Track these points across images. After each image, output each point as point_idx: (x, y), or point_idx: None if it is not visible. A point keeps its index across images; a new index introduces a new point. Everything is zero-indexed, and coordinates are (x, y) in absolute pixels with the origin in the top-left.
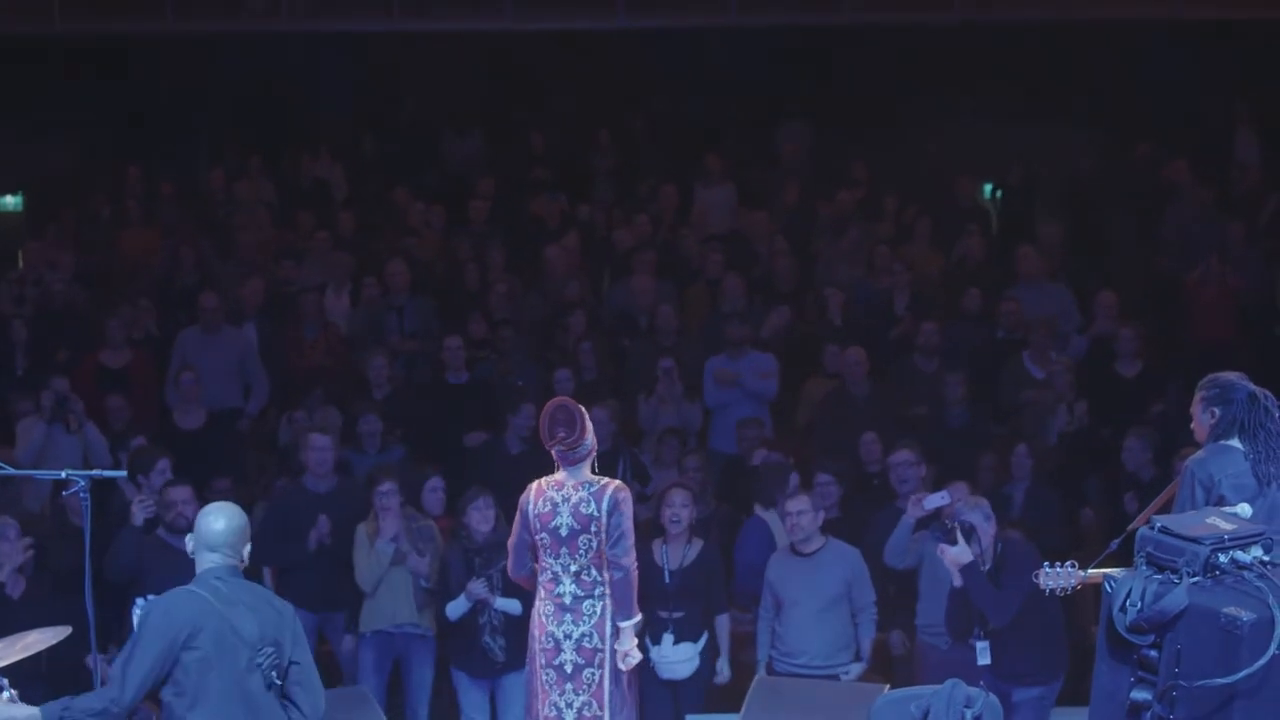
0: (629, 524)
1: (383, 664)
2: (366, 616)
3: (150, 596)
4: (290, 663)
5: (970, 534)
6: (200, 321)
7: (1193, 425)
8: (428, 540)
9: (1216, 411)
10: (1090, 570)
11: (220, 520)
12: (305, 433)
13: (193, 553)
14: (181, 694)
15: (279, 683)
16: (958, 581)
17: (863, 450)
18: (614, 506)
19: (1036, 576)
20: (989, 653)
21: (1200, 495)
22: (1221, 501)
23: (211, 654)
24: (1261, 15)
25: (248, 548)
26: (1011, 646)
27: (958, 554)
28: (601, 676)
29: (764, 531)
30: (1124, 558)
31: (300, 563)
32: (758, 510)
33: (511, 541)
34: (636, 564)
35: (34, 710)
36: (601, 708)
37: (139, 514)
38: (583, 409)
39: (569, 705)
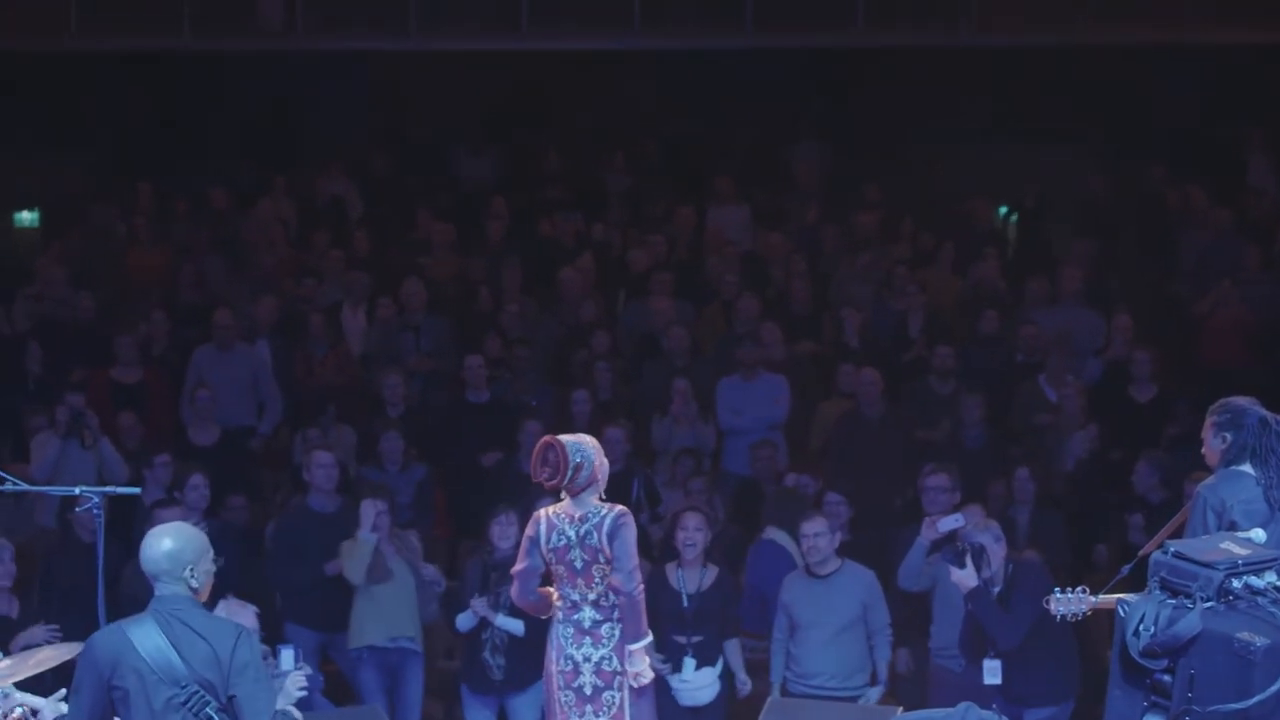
0: (632, 548)
1: (382, 682)
2: (358, 631)
3: None
4: (230, 696)
5: (980, 556)
6: (214, 338)
7: (1204, 450)
8: (411, 550)
9: (1228, 436)
10: (1101, 596)
11: (164, 541)
12: (311, 450)
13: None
14: None
15: (214, 716)
16: (966, 605)
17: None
18: (614, 531)
19: (1047, 603)
20: (999, 673)
21: (1212, 520)
22: (1233, 527)
23: (132, 690)
24: (1277, 40)
25: (204, 568)
26: (1023, 668)
27: (964, 577)
28: (621, 699)
29: (776, 553)
30: (1135, 583)
31: (305, 582)
32: (769, 532)
33: (518, 569)
34: (642, 585)
35: None
36: None
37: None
38: (568, 450)
39: None
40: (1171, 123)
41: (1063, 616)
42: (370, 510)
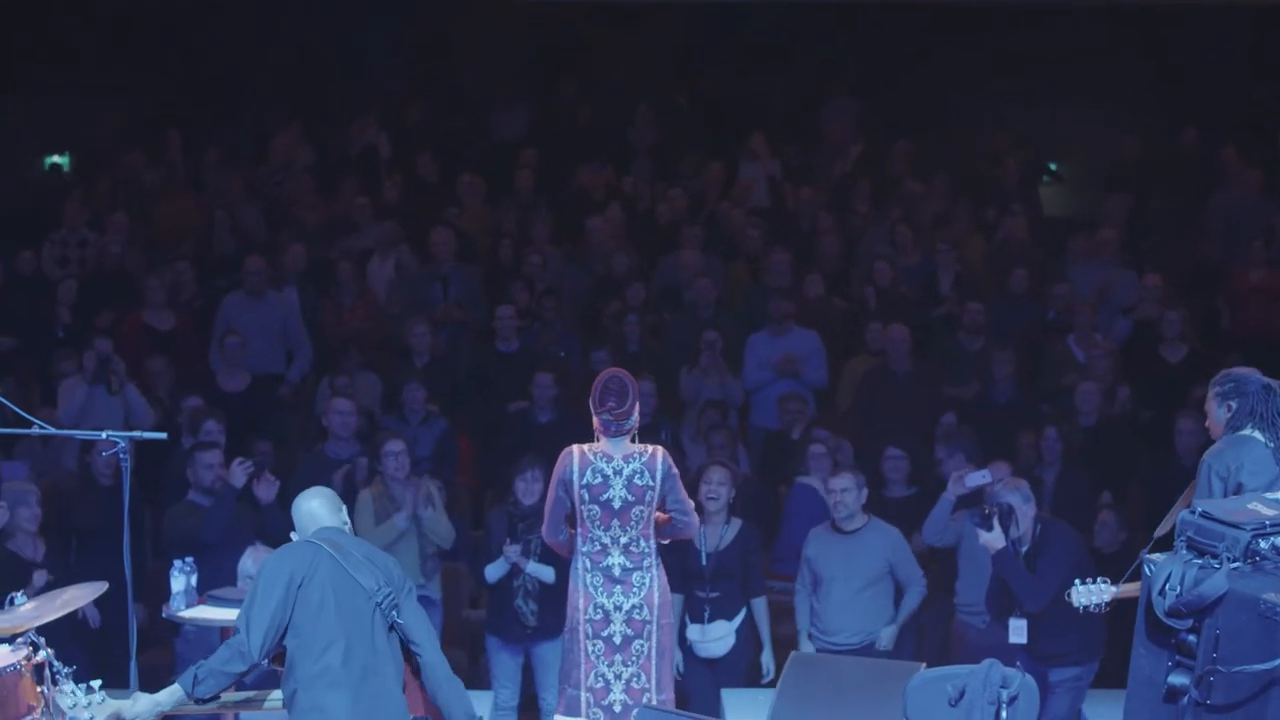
0: (683, 490)
1: None
2: None
3: (189, 559)
4: (404, 610)
5: (1008, 516)
6: (245, 285)
7: (1207, 423)
8: (426, 499)
9: (1233, 405)
10: (1122, 585)
11: (313, 500)
12: (332, 397)
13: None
14: (303, 642)
15: (400, 622)
16: (994, 565)
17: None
18: (668, 473)
19: (1068, 595)
20: (1025, 632)
21: (1217, 486)
22: (1240, 489)
23: (329, 597)
24: None
25: (344, 510)
26: (1049, 627)
27: (991, 539)
28: (650, 648)
29: (810, 497)
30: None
31: None
32: (804, 479)
33: (549, 506)
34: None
35: (172, 686)
36: (649, 679)
37: (239, 475)
38: (636, 385)
39: (617, 676)
40: (1204, 84)
41: (1085, 608)
42: (407, 496)
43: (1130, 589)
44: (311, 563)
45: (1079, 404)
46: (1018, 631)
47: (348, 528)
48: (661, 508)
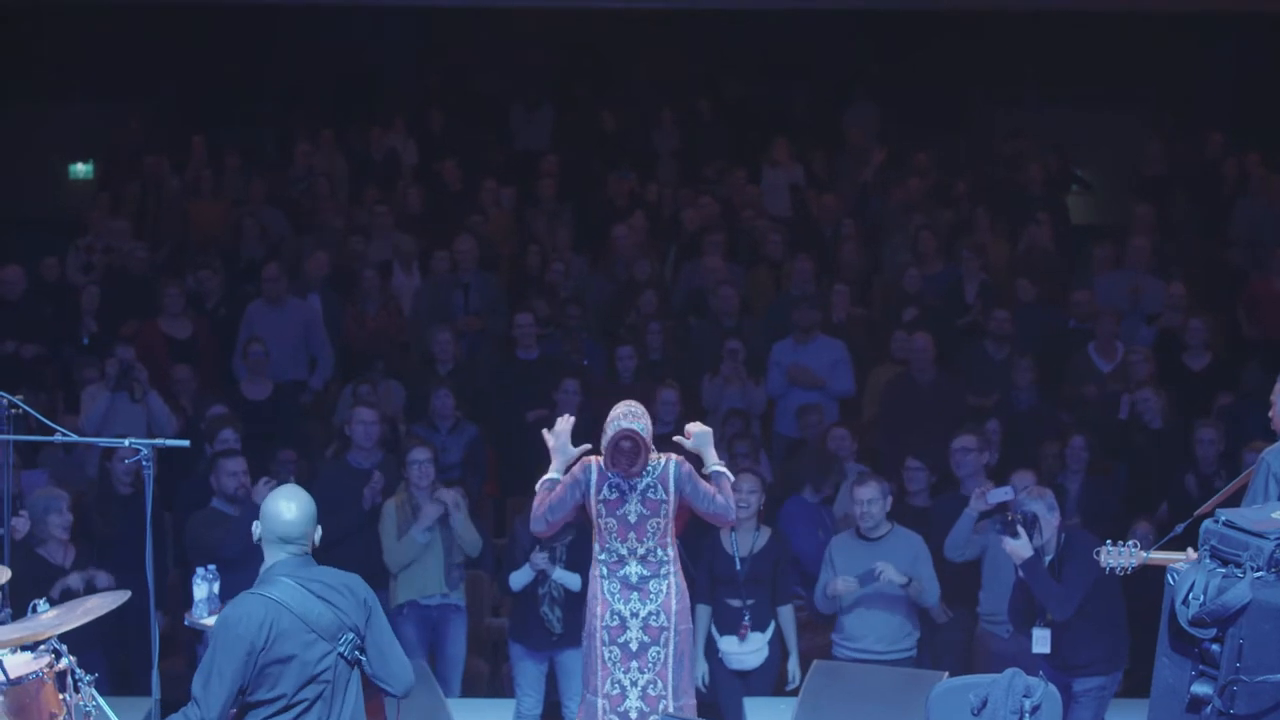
0: (703, 485)
1: (424, 637)
2: (397, 588)
3: (211, 566)
4: (369, 641)
5: (1033, 525)
6: (264, 293)
7: (1271, 414)
8: (452, 507)
9: None
10: (1153, 552)
11: (291, 508)
12: (355, 406)
13: (258, 540)
14: (260, 698)
15: (362, 658)
16: (1020, 574)
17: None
18: (682, 481)
19: (1098, 554)
20: (1048, 642)
21: (1273, 488)
22: None
23: (293, 656)
24: None
25: (318, 531)
26: (1073, 637)
27: (1018, 547)
28: (667, 655)
29: (808, 512)
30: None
31: (339, 539)
32: (807, 494)
33: (554, 497)
34: (732, 505)
35: None
36: (665, 686)
37: (263, 492)
38: (647, 442)
39: (634, 683)
40: (1229, 90)
41: (1111, 570)
42: (431, 508)
43: (1160, 557)
44: (271, 627)
45: (1108, 413)
46: (1041, 641)
47: (314, 545)
48: (689, 506)
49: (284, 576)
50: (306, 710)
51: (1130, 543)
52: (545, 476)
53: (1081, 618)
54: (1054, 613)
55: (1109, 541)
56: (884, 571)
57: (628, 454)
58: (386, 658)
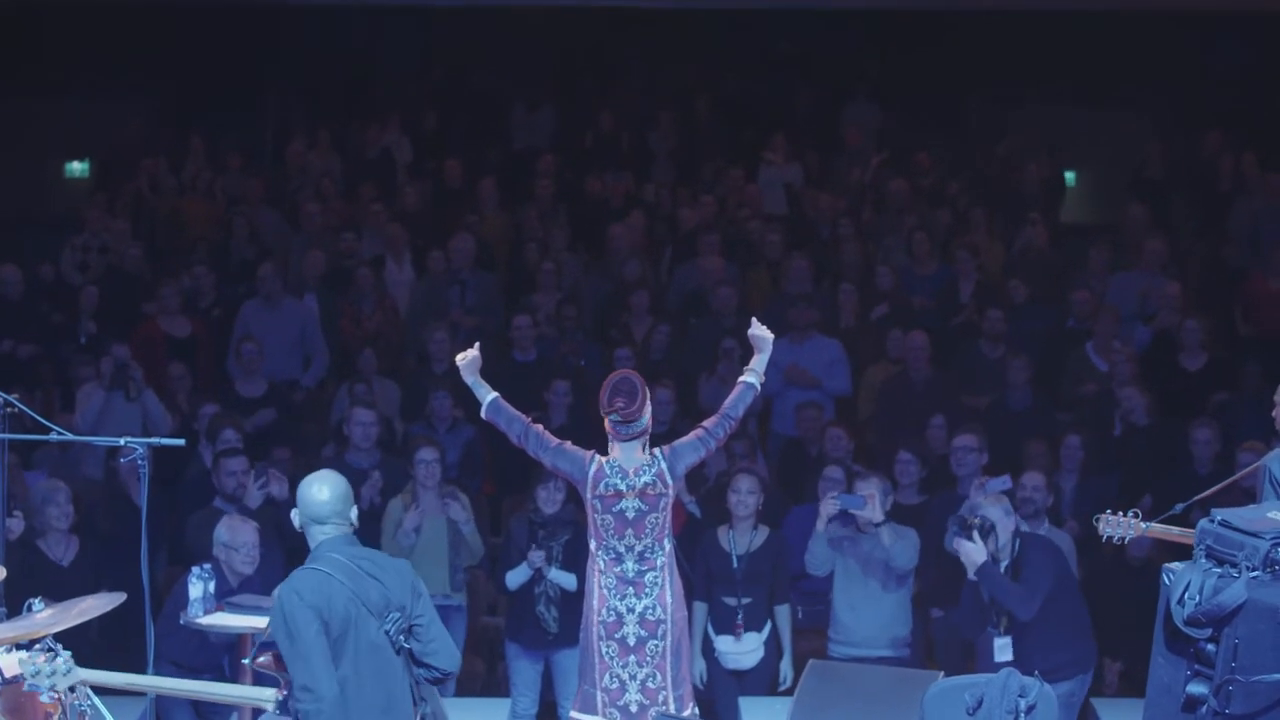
0: (695, 441)
1: None
2: None
3: (206, 565)
4: (414, 623)
5: (988, 532)
6: (259, 292)
7: (1274, 413)
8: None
9: None
10: (1152, 525)
11: (324, 489)
12: (353, 407)
13: (301, 527)
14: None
15: (407, 646)
16: (973, 577)
17: (929, 435)
18: (673, 462)
19: (1097, 521)
20: (1009, 649)
21: (1269, 492)
22: None
23: (346, 631)
24: None
25: (354, 511)
26: (1039, 642)
27: (972, 552)
28: (664, 648)
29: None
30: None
31: None
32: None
33: (540, 431)
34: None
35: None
36: (664, 678)
37: (256, 497)
38: (646, 387)
39: (632, 677)
40: (1227, 90)
41: (1109, 538)
42: (430, 503)
43: (1159, 530)
44: (328, 599)
45: (1105, 412)
46: (1003, 650)
47: (353, 524)
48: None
49: (333, 553)
50: (357, 687)
51: (1131, 511)
52: (488, 399)
53: (1044, 622)
54: (1017, 613)
55: (1109, 511)
56: (870, 499)
57: (625, 392)
58: (435, 638)
